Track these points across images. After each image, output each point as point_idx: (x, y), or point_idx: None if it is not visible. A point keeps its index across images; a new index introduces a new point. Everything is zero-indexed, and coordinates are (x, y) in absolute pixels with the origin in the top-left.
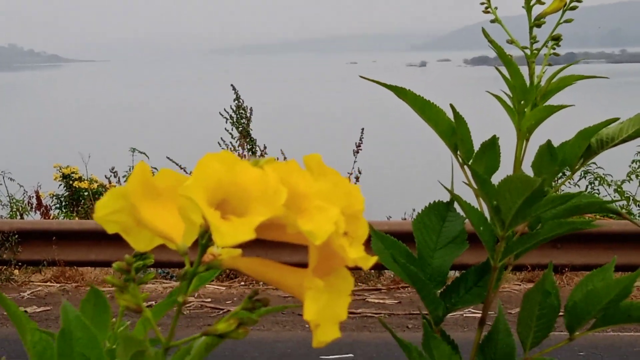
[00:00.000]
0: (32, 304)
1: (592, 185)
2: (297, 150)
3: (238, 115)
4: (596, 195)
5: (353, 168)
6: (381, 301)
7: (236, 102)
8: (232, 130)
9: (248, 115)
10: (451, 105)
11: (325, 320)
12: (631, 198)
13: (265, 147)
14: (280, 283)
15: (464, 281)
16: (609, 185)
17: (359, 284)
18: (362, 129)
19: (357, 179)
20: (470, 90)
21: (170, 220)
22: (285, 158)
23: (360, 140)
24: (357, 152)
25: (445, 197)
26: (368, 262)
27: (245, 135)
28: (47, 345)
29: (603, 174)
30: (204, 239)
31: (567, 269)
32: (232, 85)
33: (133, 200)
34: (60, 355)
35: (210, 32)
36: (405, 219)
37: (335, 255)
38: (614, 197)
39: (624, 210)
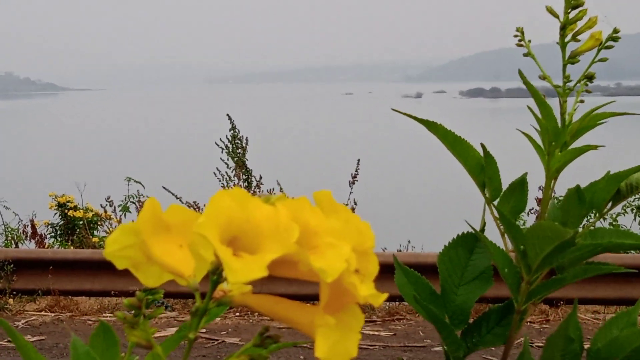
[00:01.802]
0: (27, 333)
1: (588, 218)
2: (293, 180)
3: (234, 145)
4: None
5: (349, 199)
6: (376, 333)
7: (232, 131)
8: (227, 160)
9: (244, 145)
10: (482, 145)
11: (336, 357)
12: None
13: (261, 178)
14: (290, 320)
15: (486, 321)
16: (604, 218)
17: None
18: (358, 160)
19: (352, 209)
20: (466, 122)
21: (180, 256)
22: (281, 189)
23: (356, 171)
24: (353, 183)
25: (442, 231)
26: (379, 299)
27: (241, 165)
28: None
29: None
30: (215, 275)
31: (562, 302)
32: (227, 114)
33: (143, 236)
34: None
35: (206, 61)
36: (400, 250)
37: (346, 293)
38: None
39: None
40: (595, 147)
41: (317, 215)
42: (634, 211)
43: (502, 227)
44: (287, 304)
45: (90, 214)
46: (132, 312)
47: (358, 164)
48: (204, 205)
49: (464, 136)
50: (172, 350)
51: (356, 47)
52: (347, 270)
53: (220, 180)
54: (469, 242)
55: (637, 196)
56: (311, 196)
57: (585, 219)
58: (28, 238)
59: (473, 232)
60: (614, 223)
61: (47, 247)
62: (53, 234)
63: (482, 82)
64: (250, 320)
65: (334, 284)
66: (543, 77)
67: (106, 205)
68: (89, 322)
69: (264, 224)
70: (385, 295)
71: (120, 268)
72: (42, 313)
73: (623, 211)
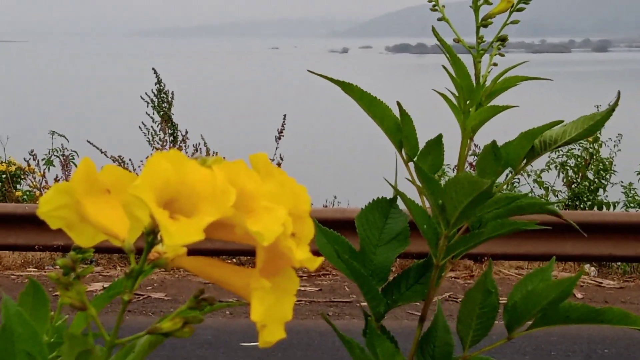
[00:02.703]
0: None
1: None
2: (219, 135)
3: (159, 100)
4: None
5: (275, 154)
6: (302, 289)
7: (157, 85)
8: (153, 114)
9: (169, 99)
10: (398, 103)
11: (272, 320)
12: (550, 188)
13: (186, 132)
14: (226, 283)
15: (406, 278)
16: (529, 175)
17: None
18: (285, 115)
19: (278, 165)
20: (392, 77)
21: (115, 217)
22: (205, 144)
23: (282, 126)
24: (279, 138)
25: (370, 187)
26: (314, 263)
27: (167, 119)
28: None
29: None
30: (150, 237)
31: (486, 258)
32: (153, 68)
33: (77, 196)
34: (1, 351)
35: (131, 14)
36: (326, 206)
37: (282, 256)
38: (533, 186)
39: (542, 199)
40: (509, 107)
41: (253, 179)
42: (558, 167)
43: (420, 185)
44: (222, 266)
45: (13, 168)
46: (64, 271)
47: (284, 119)
48: (129, 160)
49: (389, 93)
50: (102, 309)
51: (283, 1)
52: (283, 234)
53: (145, 135)
54: (384, 207)
55: (561, 152)
56: (237, 151)
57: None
58: None
59: (388, 197)
60: (537, 180)
61: None
62: None
63: (409, 38)
64: (176, 276)
65: (270, 247)
66: (457, 40)
67: (29, 159)
68: (13, 276)
69: (200, 186)
70: (321, 259)
71: (53, 228)
72: None
73: (547, 167)
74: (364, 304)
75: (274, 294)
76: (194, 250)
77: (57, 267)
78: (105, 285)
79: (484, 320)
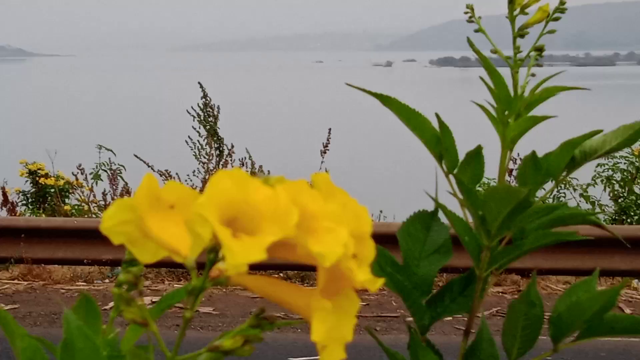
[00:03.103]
0: (0, 301)
1: (559, 189)
2: (264, 149)
3: (205, 114)
4: (564, 200)
5: (320, 168)
6: None
7: (203, 100)
8: (199, 128)
9: (215, 113)
10: (437, 115)
11: (332, 341)
12: (596, 202)
13: (232, 146)
14: (287, 302)
15: (450, 290)
16: (575, 189)
17: None
18: (330, 129)
19: None
20: (436, 91)
21: (177, 233)
22: (250, 157)
23: (328, 140)
24: (325, 152)
25: (414, 200)
26: (375, 284)
27: (213, 133)
28: (37, 351)
29: (569, 177)
30: (212, 255)
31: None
32: (199, 83)
33: (140, 212)
34: None
35: (177, 28)
36: (372, 220)
37: (343, 277)
38: (579, 201)
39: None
40: (548, 117)
41: (315, 199)
42: (604, 182)
43: (460, 197)
44: (283, 285)
45: (61, 182)
46: (126, 287)
47: (329, 132)
48: (176, 174)
49: (432, 106)
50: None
51: (327, 15)
52: (345, 255)
53: (192, 149)
54: (426, 220)
55: (607, 166)
56: (282, 165)
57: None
58: None
59: (429, 210)
60: (584, 194)
61: (19, 215)
62: (24, 202)
63: (453, 51)
64: (224, 290)
65: (332, 268)
66: (494, 51)
67: (77, 172)
68: (62, 290)
69: (263, 206)
70: (382, 281)
71: (116, 243)
72: (15, 281)
73: (593, 182)
74: (410, 319)
75: (334, 315)
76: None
77: (110, 278)
78: (154, 300)
79: (529, 332)
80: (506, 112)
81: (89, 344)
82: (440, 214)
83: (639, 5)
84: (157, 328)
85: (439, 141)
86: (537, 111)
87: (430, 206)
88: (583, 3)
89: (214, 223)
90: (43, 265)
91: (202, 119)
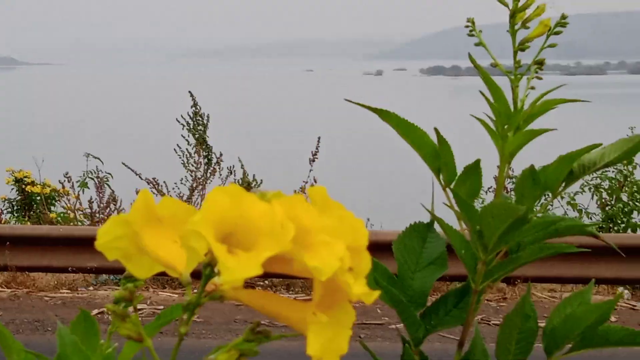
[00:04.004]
0: None
1: (546, 196)
2: (253, 157)
3: (195, 122)
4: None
5: (309, 176)
6: None
7: (193, 108)
8: (188, 137)
9: (205, 122)
10: (435, 130)
11: (328, 354)
12: (583, 211)
13: (221, 155)
14: (282, 316)
15: (444, 303)
16: (562, 197)
17: (309, 291)
18: (319, 138)
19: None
20: (427, 99)
21: (172, 249)
22: (242, 166)
23: (317, 148)
24: (314, 161)
25: (403, 208)
26: (371, 297)
27: (202, 142)
28: None
29: None
30: (207, 270)
31: (519, 280)
32: (189, 92)
33: (135, 227)
34: None
35: (167, 38)
36: None
37: (339, 290)
38: (567, 209)
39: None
40: (548, 131)
41: (311, 213)
42: (592, 190)
43: (458, 210)
44: (278, 299)
45: (48, 190)
46: (121, 304)
47: (318, 141)
48: (164, 182)
49: (424, 115)
50: (152, 337)
51: (317, 23)
52: (341, 268)
53: (180, 157)
54: (422, 231)
55: (594, 175)
56: (271, 173)
57: (543, 199)
58: None
59: (425, 222)
60: (571, 202)
61: (4, 223)
62: (10, 210)
63: (443, 60)
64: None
65: (328, 281)
66: (495, 65)
67: (64, 180)
68: (46, 298)
69: (259, 221)
70: (378, 293)
71: (110, 259)
72: None
73: (581, 190)
74: (399, 326)
75: (330, 328)
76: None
77: (95, 286)
78: (138, 307)
79: (523, 345)
80: (505, 126)
81: (82, 358)
82: (436, 225)
83: (630, 15)
84: (152, 343)
85: (437, 155)
86: (532, 124)
87: (421, 214)
88: (574, 12)
89: (210, 239)
90: (27, 272)
91: (191, 127)
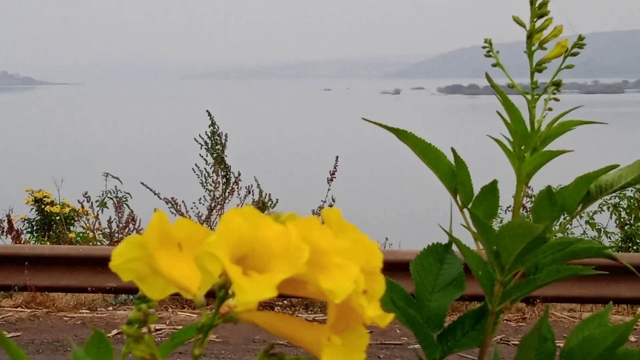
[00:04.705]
0: (3, 329)
1: (565, 216)
2: (271, 177)
3: (213, 142)
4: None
5: (327, 196)
6: None
7: (211, 128)
8: (206, 156)
9: (223, 141)
10: (453, 150)
11: None
12: (602, 230)
13: (239, 174)
14: (296, 338)
15: (461, 325)
16: (581, 216)
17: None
18: (337, 157)
19: (330, 206)
20: (444, 118)
21: (186, 270)
22: (259, 186)
23: (335, 167)
24: (332, 180)
25: (421, 227)
26: (385, 320)
27: (220, 161)
28: None
29: None
30: (222, 292)
31: (538, 300)
32: (207, 111)
33: (150, 249)
34: None
35: (186, 57)
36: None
37: (353, 312)
38: (585, 228)
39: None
40: (565, 152)
41: (326, 235)
42: (610, 209)
43: (475, 230)
44: (292, 321)
45: (67, 209)
46: (136, 325)
47: (337, 160)
48: (182, 202)
49: (441, 134)
50: (166, 358)
51: (335, 43)
52: (355, 291)
53: (198, 177)
54: (440, 253)
55: (613, 194)
56: (289, 193)
57: (562, 218)
58: (4, 233)
59: (443, 243)
60: (590, 221)
61: (24, 243)
62: (29, 230)
63: (461, 79)
64: None
65: (342, 304)
66: (511, 86)
67: (83, 200)
68: (65, 318)
69: (274, 243)
70: (392, 316)
71: (125, 280)
72: (19, 309)
73: (600, 209)
74: (417, 346)
75: (344, 351)
76: None
77: (114, 306)
78: (157, 327)
79: None
80: (522, 147)
81: None
82: (453, 246)
83: None
84: None
85: (454, 175)
86: (550, 144)
87: (438, 234)
88: (591, 31)
89: (224, 261)
90: (47, 292)
91: (209, 146)
